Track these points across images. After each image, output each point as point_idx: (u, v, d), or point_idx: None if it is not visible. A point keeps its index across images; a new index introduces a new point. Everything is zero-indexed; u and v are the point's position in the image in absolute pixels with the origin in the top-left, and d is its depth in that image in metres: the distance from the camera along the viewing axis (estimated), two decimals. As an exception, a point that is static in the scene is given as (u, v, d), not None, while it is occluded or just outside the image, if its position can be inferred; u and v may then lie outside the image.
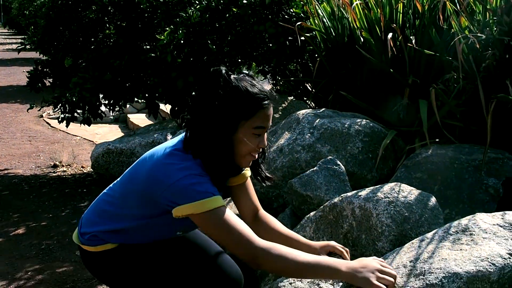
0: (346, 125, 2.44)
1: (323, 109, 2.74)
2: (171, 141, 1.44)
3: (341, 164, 2.12)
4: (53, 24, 4.04)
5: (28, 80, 4.30)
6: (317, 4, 3.26)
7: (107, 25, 4.37)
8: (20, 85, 10.26)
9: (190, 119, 1.36)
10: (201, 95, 1.34)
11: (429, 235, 1.38)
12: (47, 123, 7.11)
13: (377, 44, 2.82)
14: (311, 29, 3.26)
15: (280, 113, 3.51)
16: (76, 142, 6.07)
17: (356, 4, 2.82)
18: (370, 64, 2.88)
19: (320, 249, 1.43)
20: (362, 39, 2.91)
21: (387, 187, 1.73)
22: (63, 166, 4.94)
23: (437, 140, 2.45)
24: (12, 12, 29.57)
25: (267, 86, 4.18)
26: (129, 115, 7.72)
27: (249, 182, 1.53)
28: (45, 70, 4.35)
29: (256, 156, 1.36)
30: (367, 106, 2.94)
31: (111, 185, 1.55)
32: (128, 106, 8.03)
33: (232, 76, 1.32)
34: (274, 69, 3.67)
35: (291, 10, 3.24)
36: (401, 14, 2.81)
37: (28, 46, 4.22)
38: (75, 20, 4.08)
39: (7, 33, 31.10)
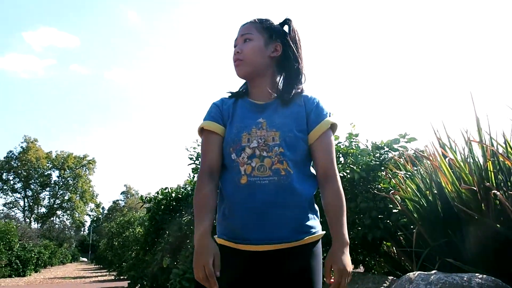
0: (465, 279, 2.30)
1: (434, 271, 2.61)
2: None
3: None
4: (156, 226, 4.42)
5: (128, 284, 4.47)
6: (403, 179, 3.43)
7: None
8: (106, 309, 10.47)
9: None
10: None
11: None
12: None
13: (475, 203, 2.82)
14: (402, 201, 3.35)
15: (382, 293, 3.33)
16: None
17: (446, 168, 2.95)
18: (473, 225, 2.83)
19: (332, 255, 1.46)
20: (456, 198, 2.94)
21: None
22: None
23: None
24: (99, 248, 32.08)
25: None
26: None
27: (321, 142, 1.56)
28: (143, 272, 4.55)
29: (235, 59, 1.64)
30: (481, 272, 2.77)
31: None
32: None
33: None
34: (369, 247, 3.64)
35: (379, 186, 3.40)
36: (491, 172, 2.88)
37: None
38: (175, 221, 4.44)
39: (93, 268, 33.03)
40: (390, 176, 3.47)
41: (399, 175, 3.45)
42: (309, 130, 1.56)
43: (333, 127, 1.59)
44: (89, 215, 59.18)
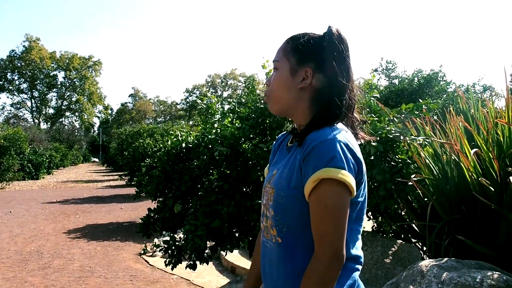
0: (477, 280, 2.30)
1: (445, 259, 2.63)
2: None
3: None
4: (167, 175, 4.42)
5: (141, 226, 4.60)
6: (420, 148, 3.32)
7: (211, 171, 4.71)
8: (119, 222, 10.95)
9: None
10: None
11: None
12: (146, 261, 7.40)
13: (494, 189, 2.76)
14: (419, 173, 3.28)
15: (391, 257, 3.40)
16: (174, 282, 6.20)
17: (472, 155, 2.83)
18: (489, 210, 2.79)
19: None
20: (476, 186, 2.86)
21: None
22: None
23: None
24: (110, 152, 32.98)
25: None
26: (222, 252, 7.81)
27: (312, 204, 1.16)
28: (155, 216, 4.66)
29: (264, 94, 1.37)
30: (490, 252, 2.79)
31: None
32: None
33: None
34: (380, 214, 3.65)
35: (396, 156, 3.31)
36: (517, 158, 2.78)
37: (143, 194, 4.57)
38: (185, 170, 4.44)
39: (105, 171, 34.23)
40: (408, 142, 3.35)
41: (416, 143, 3.33)
42: (304, 185, 1.17)
43: (330, 182, 1.11)
44: (98, 117, 60.01)
